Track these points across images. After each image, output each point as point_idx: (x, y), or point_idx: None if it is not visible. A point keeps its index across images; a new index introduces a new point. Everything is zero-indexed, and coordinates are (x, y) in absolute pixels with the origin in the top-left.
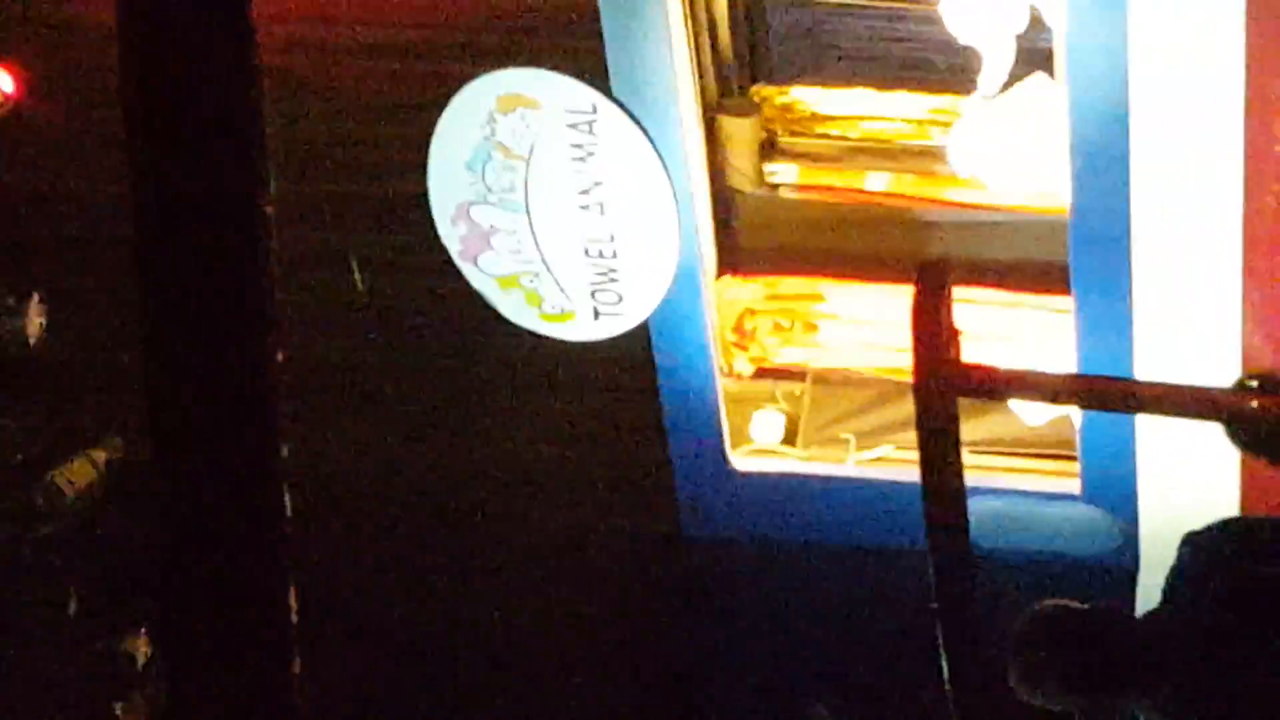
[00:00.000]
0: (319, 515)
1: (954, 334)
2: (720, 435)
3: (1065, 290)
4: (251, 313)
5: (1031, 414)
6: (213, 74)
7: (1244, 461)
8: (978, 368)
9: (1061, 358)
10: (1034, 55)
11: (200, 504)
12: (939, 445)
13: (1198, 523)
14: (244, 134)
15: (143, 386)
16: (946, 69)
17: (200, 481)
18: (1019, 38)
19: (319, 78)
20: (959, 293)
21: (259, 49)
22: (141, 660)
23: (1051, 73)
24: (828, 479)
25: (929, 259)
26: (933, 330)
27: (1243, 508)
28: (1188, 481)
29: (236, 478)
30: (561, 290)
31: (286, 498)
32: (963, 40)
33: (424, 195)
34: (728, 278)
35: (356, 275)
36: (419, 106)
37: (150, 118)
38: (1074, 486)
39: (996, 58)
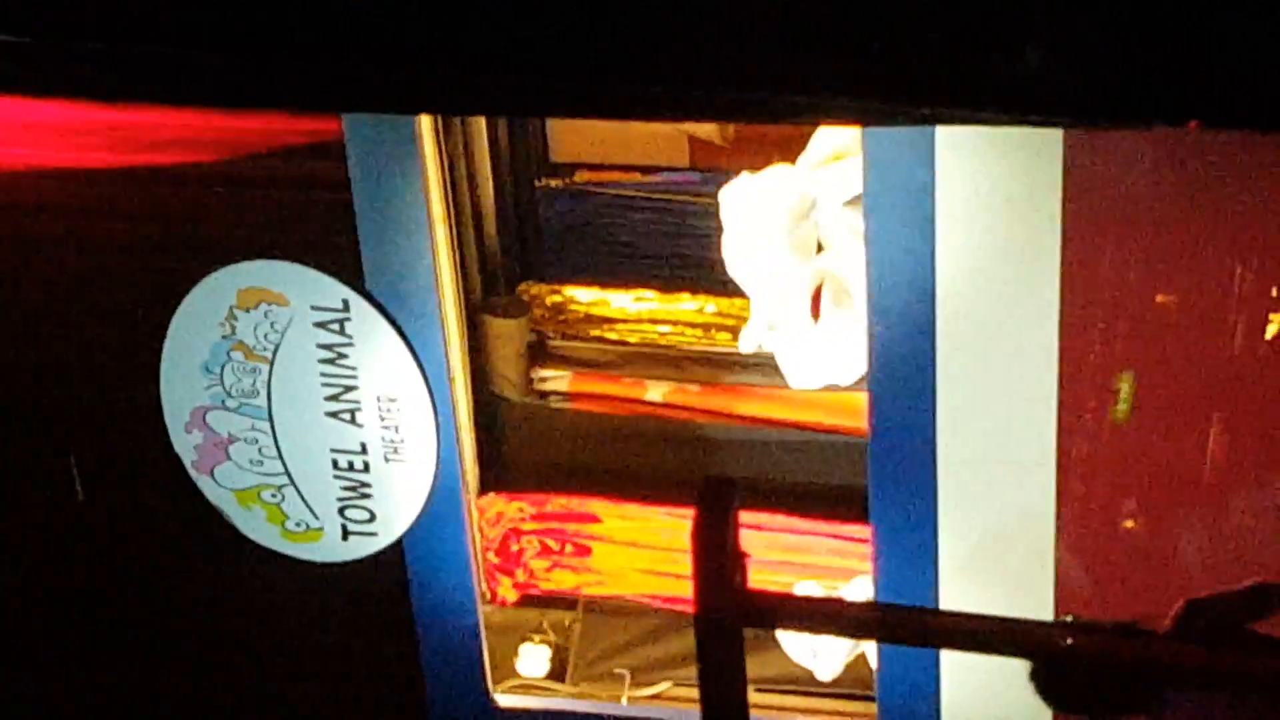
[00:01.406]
0: None
1: (740, 559)
2: (481, 668)
3: (864, 517)
4: None
5: (821, 668)
6: None
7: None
8: (766, 596)
9: (858, 589)
10: None
11: None
12: (722, 682)
13: None
14: None
15: None
16: None
17: None
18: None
19: (41, 271)
20: (746, 516)
21: None
22: None
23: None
24: (600, 718)
25: (712, 476)
26: (716, 555)
27: None
28: None
29: None
30: (307, 506)
31: None
32: (740, 284)
33: (156, 399)
34: (491, 495)
35: (77, 483)
36: (151, 302)
37: None
38: None
39: (764, 308)
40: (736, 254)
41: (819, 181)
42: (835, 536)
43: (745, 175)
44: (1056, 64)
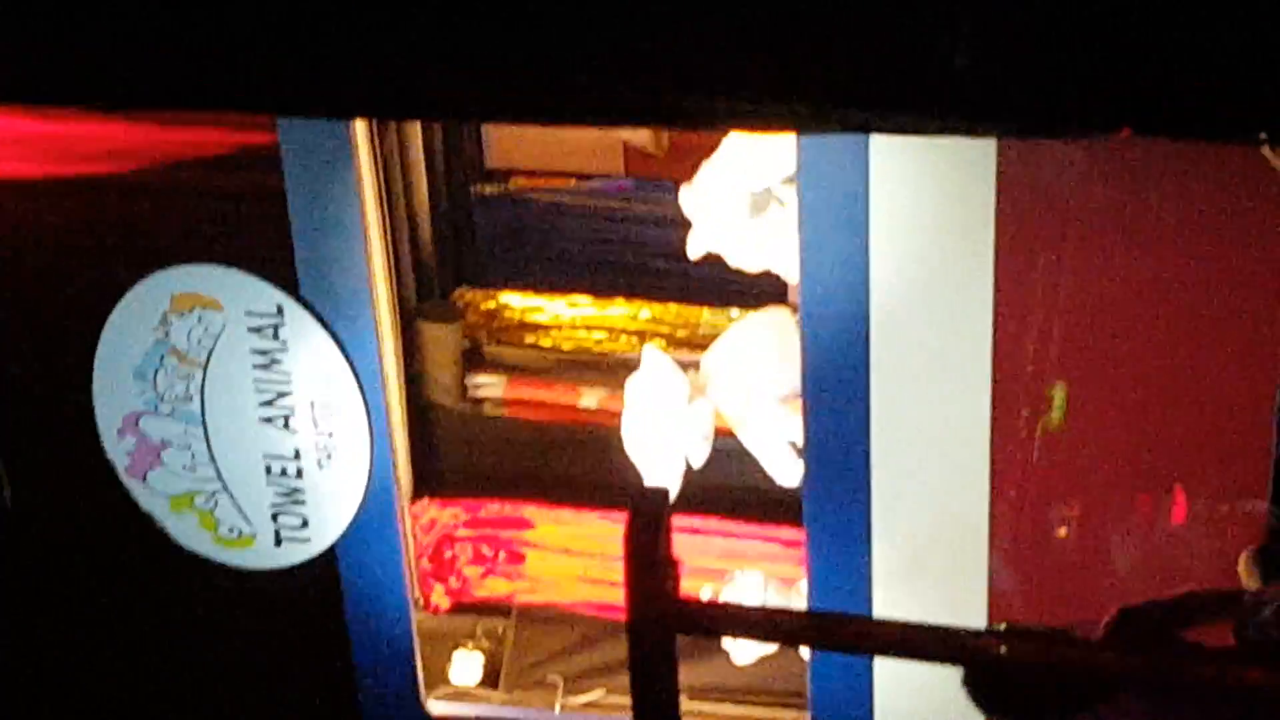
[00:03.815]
0: None
1: (673, 568)
2: (414, 675)
3: (798, 522)
4: None
5: (741, 652)
6: None
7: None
8: (699, 604)
9: (793, 597)
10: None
11: None
12: (654, 690)
13: None
14: None
15: None
16: (669, 276)
17: None
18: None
19: None
20: (680, 520)
21: None
22: None
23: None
24: None
25: (645, 485)
26: (649, 562)
27: None
28: None
29: None
30: (240, 512)
31: None
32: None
33: (88, 405)
34: (425, 501)
35: (6, 489)
36: (85, 308)
37: None
38: None
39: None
40: (634, 434)
41: (761, 159)
42: (769, 540)
43: (650, 352)
44: (990, 73)
